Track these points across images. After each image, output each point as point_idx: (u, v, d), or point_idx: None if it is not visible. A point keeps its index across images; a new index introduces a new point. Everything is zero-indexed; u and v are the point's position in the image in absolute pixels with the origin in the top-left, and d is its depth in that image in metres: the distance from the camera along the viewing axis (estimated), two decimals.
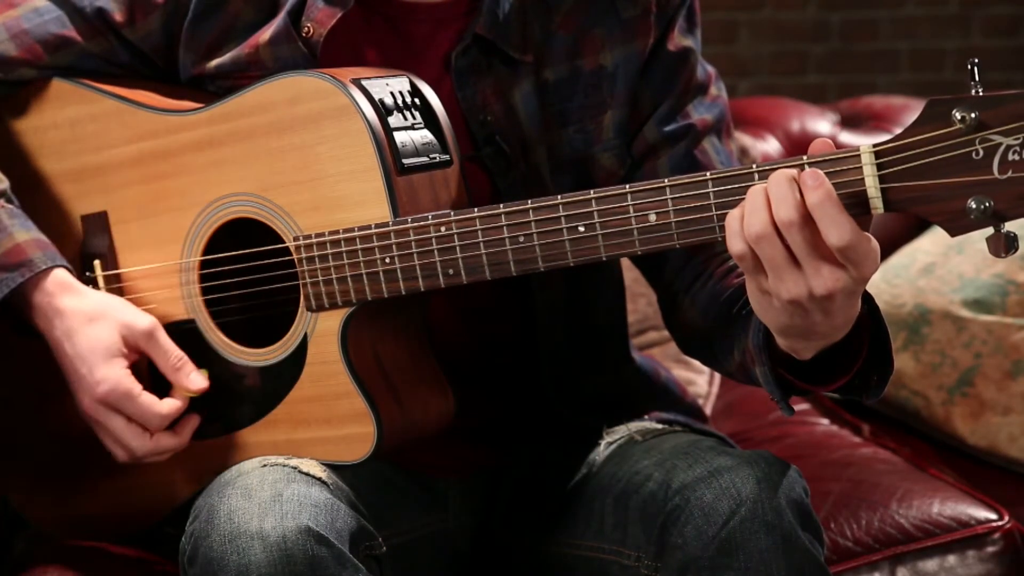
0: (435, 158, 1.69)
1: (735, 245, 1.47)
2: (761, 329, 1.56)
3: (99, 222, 1.82)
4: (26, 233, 1.73)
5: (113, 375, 1.70)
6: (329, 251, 1.67)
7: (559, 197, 1.59)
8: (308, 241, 1.68)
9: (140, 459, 1.73)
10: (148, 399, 1.71)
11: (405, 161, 1.66)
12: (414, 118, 1.69)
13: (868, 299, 1.55)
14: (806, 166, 1.47)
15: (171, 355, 1.73)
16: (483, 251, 1.62)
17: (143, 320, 1.73)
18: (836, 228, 1.42)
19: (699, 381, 2.67)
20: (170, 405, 1.72)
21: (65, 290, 1.72)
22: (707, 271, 1.77)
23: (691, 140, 1.81)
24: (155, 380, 1.75)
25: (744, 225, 1.46)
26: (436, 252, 1.63)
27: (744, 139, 2.81)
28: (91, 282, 1.81)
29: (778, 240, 1.45)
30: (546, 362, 1.82)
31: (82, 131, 1.81)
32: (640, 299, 2.65)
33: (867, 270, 1.45)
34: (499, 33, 1.76)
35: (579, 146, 1.80)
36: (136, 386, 1.71)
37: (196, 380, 1.73)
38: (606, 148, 1.81)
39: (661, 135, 1.81)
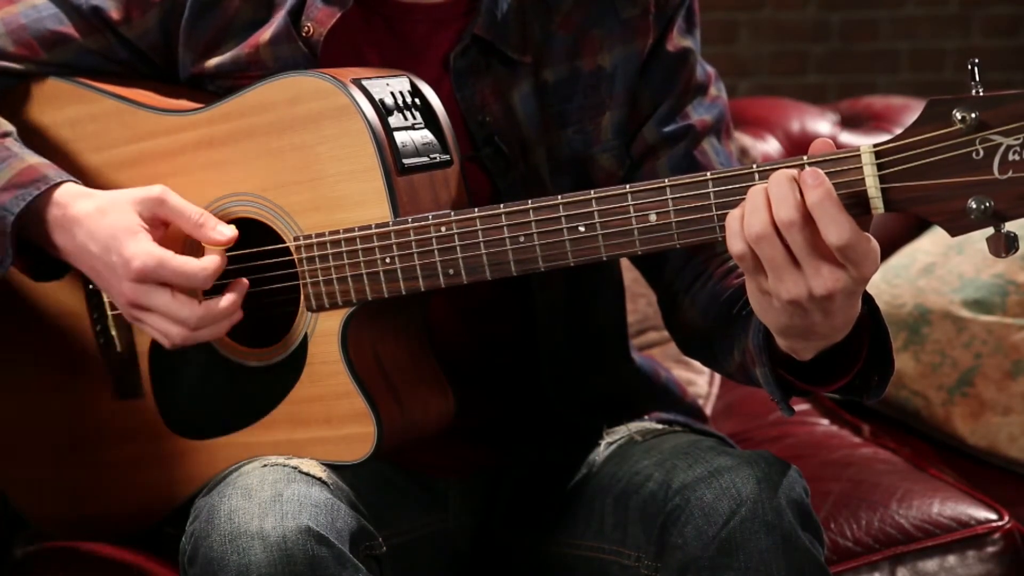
0: (435, 158, 1.69)
1: (735, 245, 1.47)
2: (761, 329, 1.56)
3: None
4: (37, 158, 1.73)
5: (142, 248, 1.66)
6: (329, 251, 1.67)
7: (559, 197, 1.59)
8: (308, 241, 1.68)
9: (196, 333, 1.67)
10: (185, 258, 1.66)
11: (405, 161, 1.66)
12: (414, 118, 1.69)
13: (868, 300, 1.55)
14: (806, 166, 1.47)
15: (190, 213, 1.69)
16: (483, 251, 1.62)
17: (152, 189, 1.70)
18: (836, 227, 1.42)
19: (699, 381, 2.67)
20: (210, 260, 1.67)
21: (76, 198, 1.70)
22: (707, 271, 1.77)
23: (690, 141, 1.81)
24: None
25: (744, 225, 1.46)
26: (436, 252, 1.63)
27: (744, 139, 2.81)
28: (92, 282, 1.80)
29: (778, 240, 1.45)
30: (546, 362, 1.82)
31: (82, 131, 1.81)
32: (640, 299, 2.65)
33: (867, 270, 1.45)
34: (497, 34, 1.76)
35: (578, 147, 1.80)
36: (167, 251, 1.66)
37: (223, 231, 1.69)
38: (605, 149, 1.81)
39: (660, 136, 1.81)
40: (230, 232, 1.69)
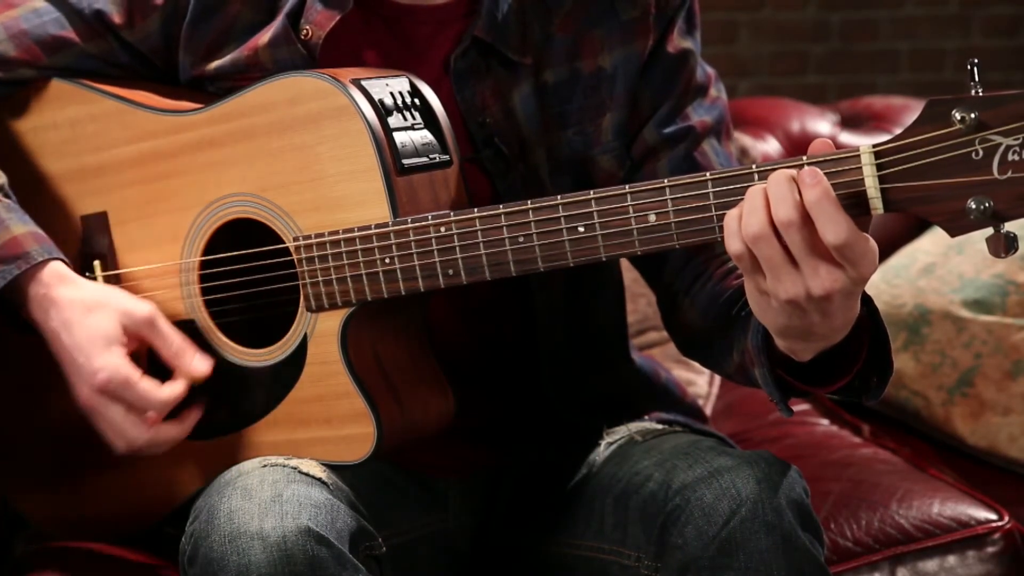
0: (435, 158, 1.69)
1: (733, 245, 1.47)
2: (760, 330, 1.56)
3: (99, 222, 1.82)
4: (23, 227, 1.73)
5: (112, 363, 1.69)
6: (329, 251, 1.67)
7: (559, 197, 1.59)
8: (308, 241, 1.68)
9: (139, 450, 1.72)
10: (148, 384, 1.69)
11: (405, 161, 1.66)
12: (414, 118, 1.69)
13: (867, 301, 1.55)
14: (805, 166, 1.47)
15: (172, 341, 1.72)
16: (483, 251, 1.62)
17: (143, 307, 1.72)
18: (833, 226, 1.42)
19: (699, 382, 2.67)
20: (171, 390, 1.70)
21: (62, 281, 1.72)
22: (707, 272, 1.77)
23: (691, 142, 1.81)
24: (153, 372, 1.74)
25: (742, 225, 1.46)
26: (436, 252, 1.63)
27: (744, 139, 2.81)
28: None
29: (776, 240, 1.45)
30: (546, 362, 1.82)
31: (82, 131, 1.81)
32: (640, 299, 2.65)
33: (865, 270, 1.45)
34: (498, 35, 1.76)
35: (578, 148, 1.80)
36: (135, 372, 1.69)
37: (199, 365, 1.72)
38: (605, 150, 1.81)
39: (660, 137, 1.81)
40: (205, 368, 1.72)
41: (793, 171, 1.45)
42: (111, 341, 1.69)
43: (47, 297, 1.71)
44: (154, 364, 1.74)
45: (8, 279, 1.70)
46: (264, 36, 1.76)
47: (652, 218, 1.56)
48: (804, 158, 1.48)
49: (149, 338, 1.72)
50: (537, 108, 1.78)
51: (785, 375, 1.59)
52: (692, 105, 1.82)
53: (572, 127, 1.80)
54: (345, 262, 1.67)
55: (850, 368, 1.58)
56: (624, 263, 2.00)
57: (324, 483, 1.61)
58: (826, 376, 1.59)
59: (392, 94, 1.68)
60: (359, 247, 1.66)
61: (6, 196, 1.76)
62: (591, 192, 1.58)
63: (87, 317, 1.70)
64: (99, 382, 1.69)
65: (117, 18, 1.79)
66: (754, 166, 1.51)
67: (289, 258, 1.70)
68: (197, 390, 1.77)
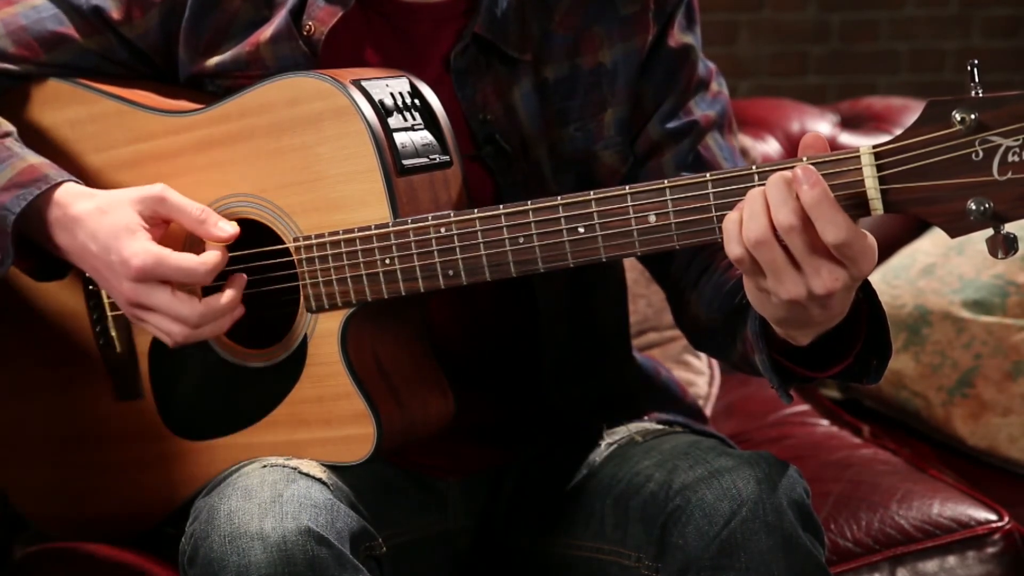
0: (435, 159, 1.69)
1: (733, 249, 1.47)
2: (757, 317, 1.56)
3: None
4: (38, 158, 1.73)
5: (141, 247, 1.66)
6: (329, 252, 1.67)
7: (559, 198, 1.59)
8: (308, 242, 1.68)
9: (198, 330, 1.67)
10: (185, 256, 1.66)
11: (405, 162, 1.66)
12: (414, 119, 1.69)
13: (865, 284, 1.55)
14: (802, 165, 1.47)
15: (191, 209, 1.69)
16: (483, 252, 1.62)
17: (152, 188, 1.70)
18: (832, 226, 1.42)
19: (699, 382, 2.67)
20: (210, 255, 1.67)
21: (78, 197, 1.70)
22: (712, 264, 1.77)
23: (695, 137, 1.81)
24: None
25: (743, 230, 1.46)
26: (436, 253, 1.63)
27: (744, 140, 2.81)
28: (92, 283, 1.81)
29: (777, 245, 1.45)
30: (548, 361, 1.82)
31: (82, 132, 1.81)
32: (640, 300, 2.66)
33: (865, 266, 1.45)
34: (497, 32, 1.76)
35: (580, 144, 1.80)
36: (166, 249, 1.66)
37: (225, 227, 1.69)
38: (608, 146, 1.81)
39: (665, 132, 1.81)
40: (232, 228, 1.69)
41: (791, 173, 1.45)
42: (133, 229, 1.67)
43: (67, 216, 1.70)
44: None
45: (30, 199, 1.69)
46: (266, 32, 1.76)
47: (652, 219, 1.56)
48: (804, 159, 1.48)
49: (167, 214, 1.69)
50: (538, 105, 1.79)
51: (784, 361, 1.58)
52: (694, 100, 1.82)
53: (573, 123, 1.80)
54: (345, 263, 1.67)
55: (849, 351, 1.57)
56: (629, 262, 2.00)
57: (324, 483, 1.61)
58: (826, 360, 1.59)
59: (392, 95, 1.68)
60: (359, 248, 1.66)
61: (16, 140, 1.76)
62: (591, 193, 1.58)
63: (105, 218, 1.68)
64: (135, 269, 1.65)
65: (115, 14, 1.79)
66: (754, 167, 1.51)
67: (289, 259, 1.70)
68: (198, 391, 1.77)
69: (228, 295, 1.68)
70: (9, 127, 1.77)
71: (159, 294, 1.66)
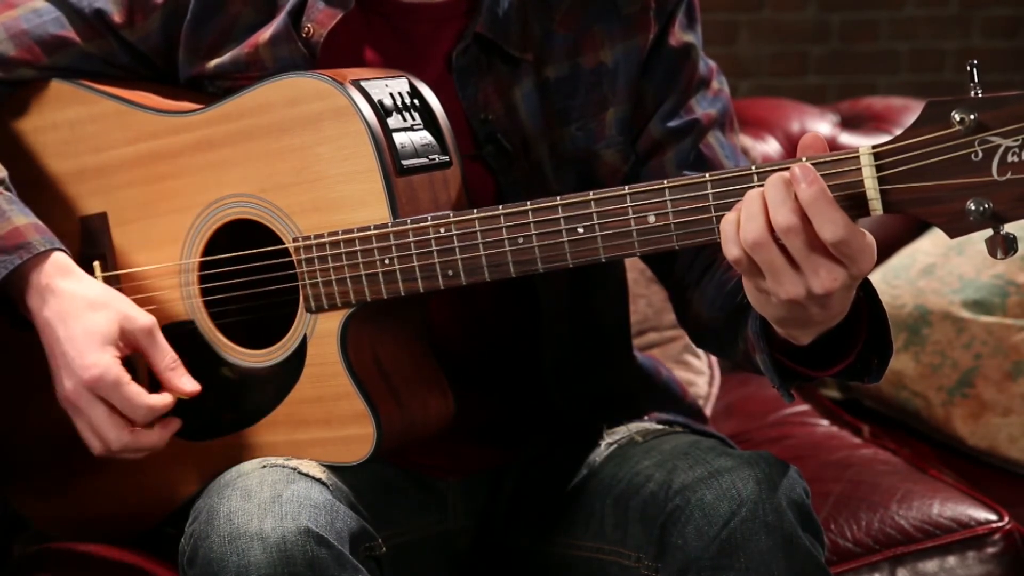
0: (434, 159, 1.69)
1: (731, 251, 1.47)
2: (758, 317, 1.56)
3: (99, 223, 1.82)
4: (24, 218, 1.72)
5: (104, 361, 1.68)
6: (328, 252, 1.67)
7: (558, 198, 1.59)
8: (308, 242, 1.68)
9: (115, 453, 1.71)
10: (137, 389, 1.68)
11: (404, 162, 1.66)
12: (413, 119, 1.69)
13: (866, 283, 1.55)
14: (800, 162, 1.47)
15: (167, 355, 1.72)
16: (482, 252, 1.62)
17: (144, 317, 1.72)
18: (830, 224, 1.42)
19: (699, 382, 2.67)
20: (159, 399, 1.70)
21: (64, 273, 1.71)
22: (715, 262, 1.77)
23: (696, 135, 1.81)
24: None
25: (740, 232, 1.46)
26: (435, 253, 1.63)
27: (744, 140, 2.81)
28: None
29: (775, 245, 1.45)
30: (549, 360, 1.82)
31: (82, 132, 1.81)
32: (640, 300, 2.66)
33: (864, 265, 1.45)
34: (499, 32, 1.76)
35: (581, 143, 1.80)
36: (126, 375, 1.68)
37: (188, 383, 1.72)
38: (609, 145, 1.81)
39: (666, 131, 1.81)
40: (194, 387, 1.71)
41: (789, 172, 1.45)
42: (107, 341, 1.69)
43: (48, 287, 1.70)
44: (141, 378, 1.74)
45: (10, 268, 1.69)
46: (265, 33, 1.76)
47: (651, 219, 1.56)
48: (804, 159, 1.47)
49: (145, 348, 1.71)
50: (539, 105, 1.79)
51: (786, 360, 1.58)
52: (696, 98, 1.83)
53: (575, 123, 1.80)
54: (345, 263, 1.67)
55: (850, 350, 1.57)
56: (630, 262, 2.00)
57: (324, 484, 1.61)
58: (827, 359, 1.59)
59: (392, 95, 1.68)
60: (359, 248, 1.66)
61: (7, 189, 1.75)
62: (590, 193, 1.58)
63: (88, 313, 1.69)
64: (89, 378, 1.67)
65: (118, 17, 1.79)
66: (754, 167, 1.51)
67: (289, 259, 1.70)
68: (196, 397, 1.77)
69: (157, 436, 1.71)
70: (1, 173, 1.76)
71: (97, 409, 1.69)
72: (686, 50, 1.82)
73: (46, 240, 1.71)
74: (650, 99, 1.82)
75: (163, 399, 1.70)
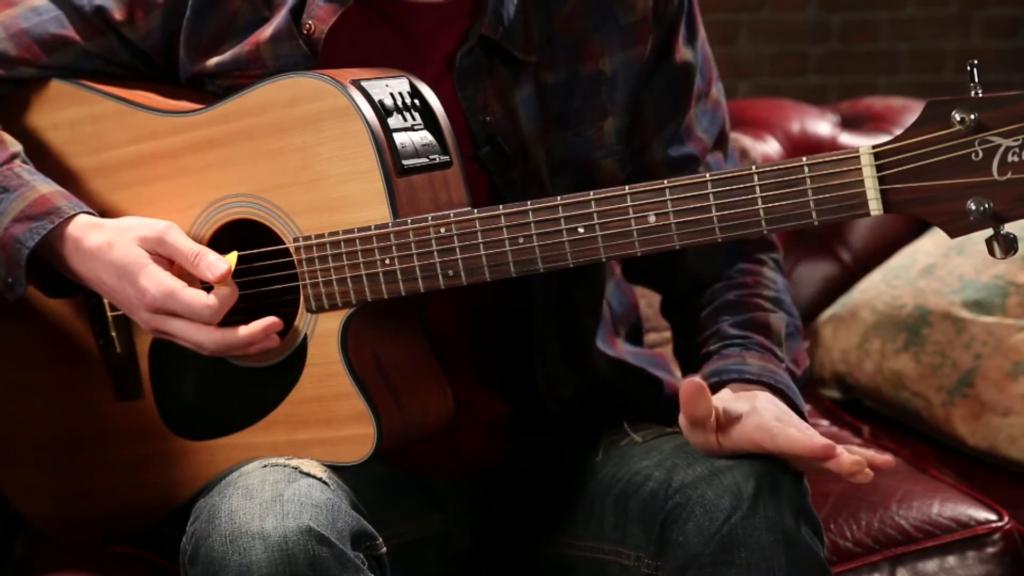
0: (435, 159, 1.69)
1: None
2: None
3: None
4: (48, 186, 1.73)
5: (152, 280, 1.68)
6: (329, 252, 1.67)
7: (559, 198, 1.59)
8: (308, 242, 1.68)
9: (219, 353, 1.70)
10: (192, 293, 1.68)
11: (405, 162, 1.66)
12: (414, 119, 1.69)
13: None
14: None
15: (186, 252, 1.70)
16: (483, 252, 1.62)
17: (154, 227, 1.72)
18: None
19: None
20: (217, 294, 1.68)
21: (89, 230, 1.71)
22: (688, 320, 1.89)
23: (693, 167, 1.83)
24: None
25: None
26: (436, 253, 1.63)
27: (744, 140, 2.81)
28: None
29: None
30: (539, 363, 1.82)
31: (82, 132, 1.81)
32: (639, 300, 2.65)
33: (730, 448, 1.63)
34: (504, 34, 1.76)
35: (578, 150, 1.80)
36: (178, 283, 1.68)
37: (216, 267, 1.69)
38: (608, 154, 1.82)
39: (666, 160, 1.83)
40: (224, 266, 1.69)
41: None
42: (142, 263, 1.69)
43: (80, 250, 1.71)
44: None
45: (43, 234, 1.70)
46: (266, 31, 1.76)
47: (652, 219, 1.56)
48: (804, 159, 1.48)
49: (166, 254, 1.71)
50: (538, 108, 1.79)
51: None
52: (696, 111, 1.84)
53: (572, 129, 1.80)
54: (345, 263, 1.67)
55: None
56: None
57: (325, 483, 1.61)
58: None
59: (392, 95, 1.68)
60: (359, 248, 1.66)
61: (24, 162, 1.76)
62: (591, 193, 1.58)
63: (113, 253, 1.70)
64: (148, 301, 1.68)
65: (118, 15, 1.79)
66: (754, 167, 1.51)
67: (289, 259, 1.71)
68: (199, 391, 1.77)
69: (249, 332, 1.68)
70: (16, 147, 1.76)
71: (172, 324, 1.69)
72: (689, 70, 1.83)
73: (73, 204, 1.72)
74: (649, 112, 1.83)
75: (221, 293, 1.68)
